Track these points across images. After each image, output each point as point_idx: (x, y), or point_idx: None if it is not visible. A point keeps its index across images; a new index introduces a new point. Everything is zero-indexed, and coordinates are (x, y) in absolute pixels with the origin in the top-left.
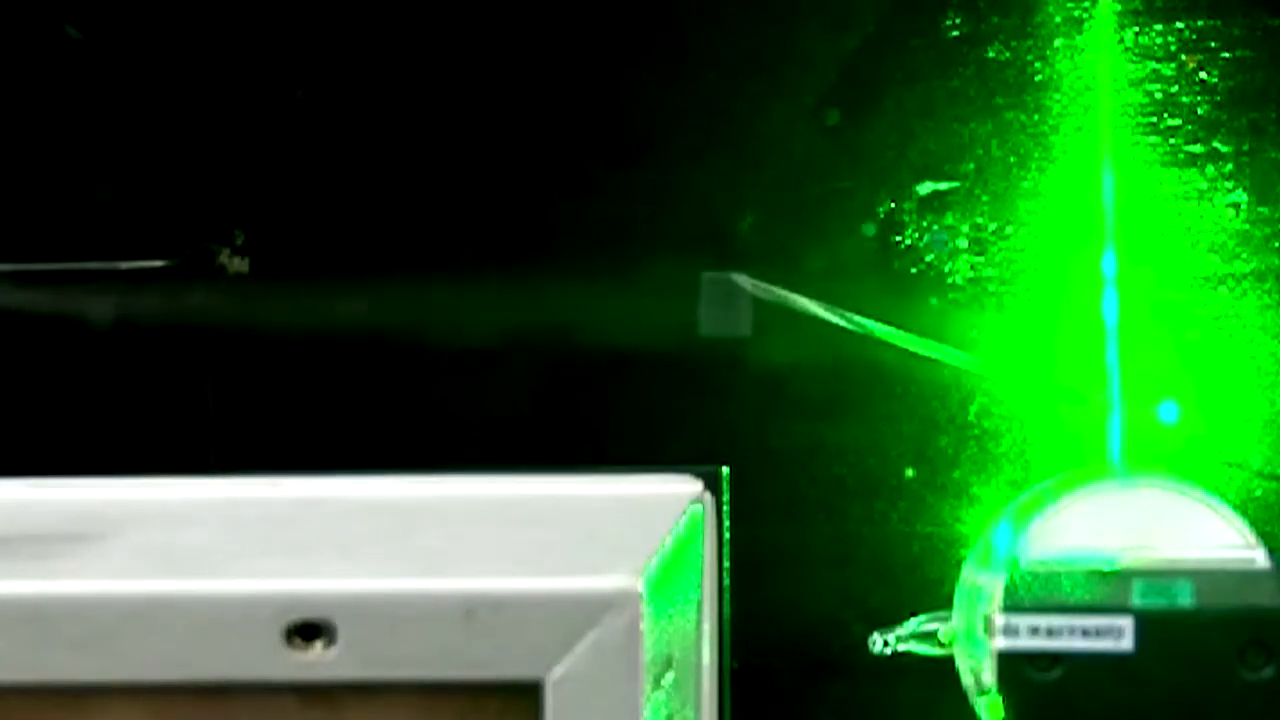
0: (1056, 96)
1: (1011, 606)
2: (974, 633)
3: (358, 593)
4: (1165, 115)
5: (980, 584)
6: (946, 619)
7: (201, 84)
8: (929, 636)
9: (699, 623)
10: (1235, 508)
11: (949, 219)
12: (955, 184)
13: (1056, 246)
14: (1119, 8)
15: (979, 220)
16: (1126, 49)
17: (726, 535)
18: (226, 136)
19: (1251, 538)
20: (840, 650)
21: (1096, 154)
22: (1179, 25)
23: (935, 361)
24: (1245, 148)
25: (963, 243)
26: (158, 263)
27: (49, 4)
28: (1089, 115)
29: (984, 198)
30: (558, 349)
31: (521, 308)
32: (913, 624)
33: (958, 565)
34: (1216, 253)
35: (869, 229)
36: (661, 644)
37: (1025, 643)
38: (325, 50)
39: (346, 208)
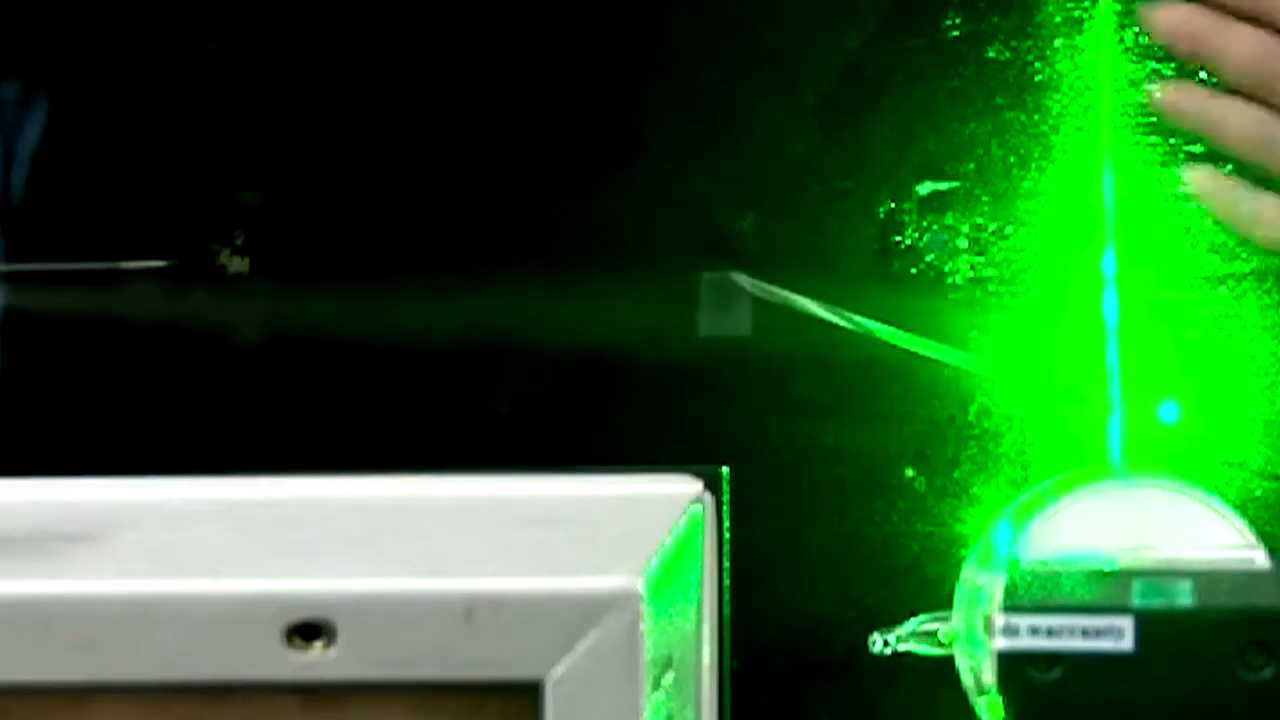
0: (1056, 96)
1: (1011, 606)
2: (974, 633)
3: (358, 593)
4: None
5: (980, 584)
6: (946, 619)
7: (202, 84)
8: (929, 636)
9: (699, 623)
10: (1235, 508)
11: (949, 219)
12: (955, 184)
13: (1056, 246)
14: (1119, 8)
15: (979, 220)
16: (1126, 49)
17: (726, 535)
18: (226, 136)
19: (1251, 538)
20: (840, 650)
21: (1096, 154)
22: None
23: (935, 361)
24: None
25: (963, 243)
26: (158, 263)
27: (50, 4)
28: (1089, 115)
29: (984, 198)
30: (558, 349)
31: (521, 308)
32: (913, 624)
33: (958, 565)
34: (1216, 253)
35: (869, 229)
36: (661, 644)
37: (1025, 643)
38: (325, 50)
39: (346, 208)
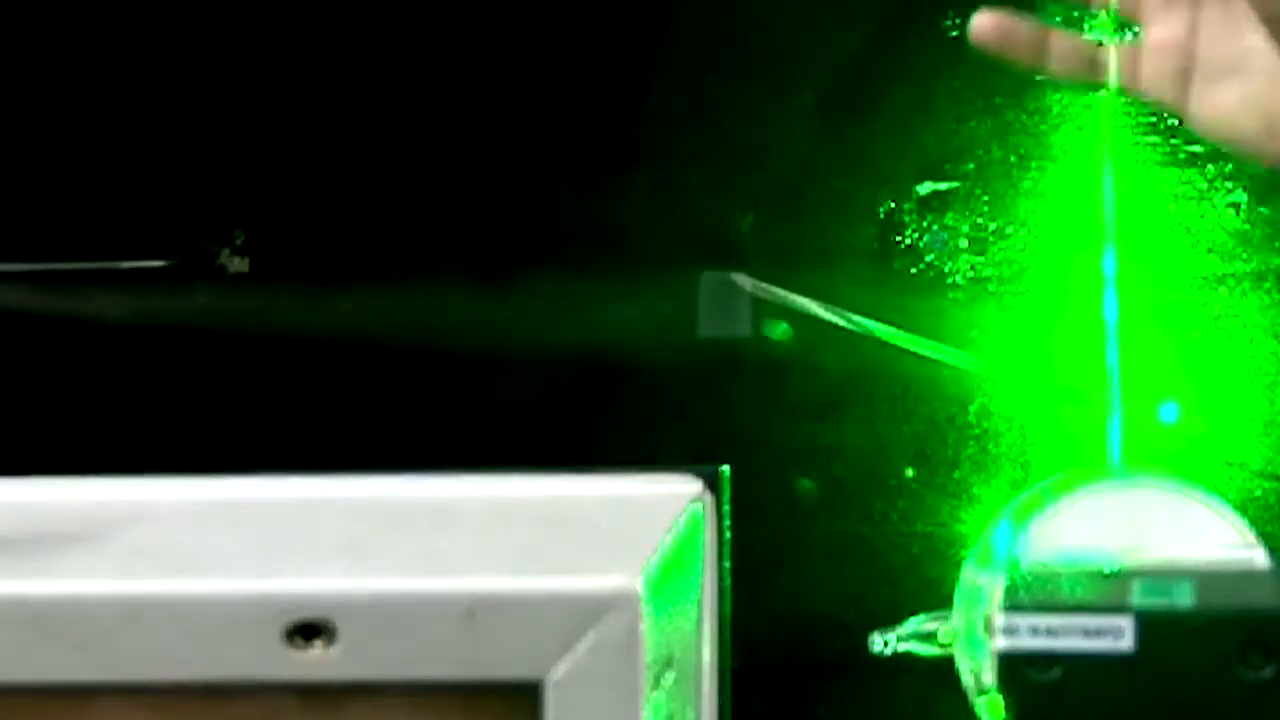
0: (1056, 96)
1: (1011, 606)
2: (974, 633)
3: (358, 593)
4: (1165, 115)
5: (980, 584)
6: (946, 619)
7: (201, 84)
8: (929, 636)
9: (699, 623)
10: (1235, 508)
11: (949, 219)
12: (955, 184)
13: (1056, 246)
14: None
15: (979, 220)
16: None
17: (727, 535)
18: (226, 136)
19: (1251, 538)
20: (840, 650)
21: (1096, 154)
22: None
23: (935, 361)
24: None
25: (963, 243)
26: (158, 263)
27: (51, 5)
28: (1089, 115)
29: (984, 198)
30: (558, 349)
31: (522, 308)
32: (913, 624)
33: (958, 565)
34: (1216, 253)
35: (869, 229)
36: (661, 644)
37: (1025, 643)
38: (325, 50)
39: (346, 208)
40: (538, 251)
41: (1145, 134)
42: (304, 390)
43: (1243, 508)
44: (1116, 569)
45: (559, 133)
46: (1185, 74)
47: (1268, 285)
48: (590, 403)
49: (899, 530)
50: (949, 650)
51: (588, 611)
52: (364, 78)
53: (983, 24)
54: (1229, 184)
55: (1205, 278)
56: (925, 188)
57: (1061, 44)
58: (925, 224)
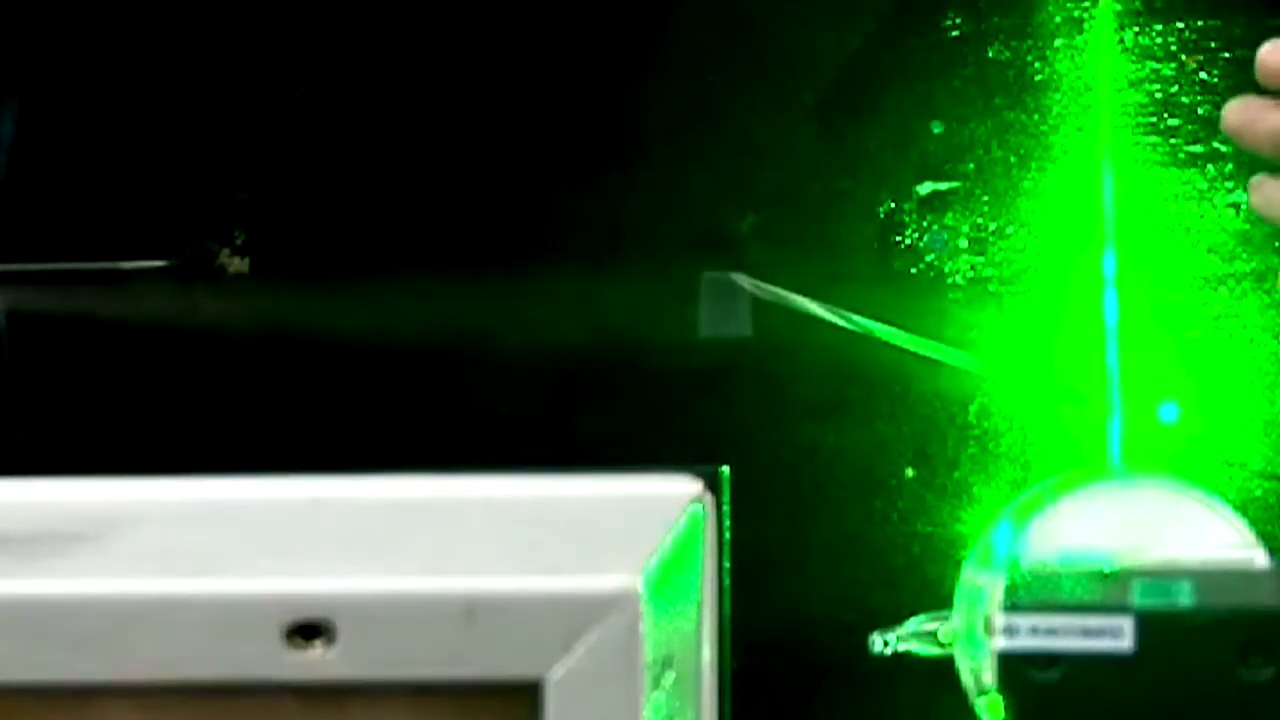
0: (1056, 96)
1: (1011, 606)
2: (974, 633)
3: (358, 593)
4: (1165, 115)
5: (980, 584)
6: (946, 619)
7: (201, 84)
8: (929, 636)
9: (699, 623)
10: (1235, 508)
11: (949, 219)
12: (955, 184)
13: (1056, 246)
14: (1119, 8)
15: (979, 220)
16: (1126, 49)
17: (726, 535)
18: (226, 136)
19: (1251, 538)
20: (840, 650)
21: (1096, 154)
22: (1179, 25)
23: (935, 361)
24: None
25: (963, 243)
26: (158, 263)
27: (50, 5)
28: (1089, 115)
29: (984, 198)
30: (557, 349)
31: (521, 308)
32: (913, 624)
33: (958, 565)
34: (1216, 253)
35: (869, 229)
36: (661, 644)
37: (1025, 643)
38: (325, 50)
39: (346, 208)
40: (537, 251)
41: (1145, 134)
42: (304, 390)
43: (1243, 508)
44: (1116, 569)
45: (559, 132)
46: None
47: (1268, 285)
48: (590, 403)
49: (899, 530)
50: (949, 650)
51: (588, 611)
52: (363, 77)
53: (1231, 114)
54: (1229, 184)
55: (1205, 278)
56: (925, 188)
57: None
58: (925, 224)
